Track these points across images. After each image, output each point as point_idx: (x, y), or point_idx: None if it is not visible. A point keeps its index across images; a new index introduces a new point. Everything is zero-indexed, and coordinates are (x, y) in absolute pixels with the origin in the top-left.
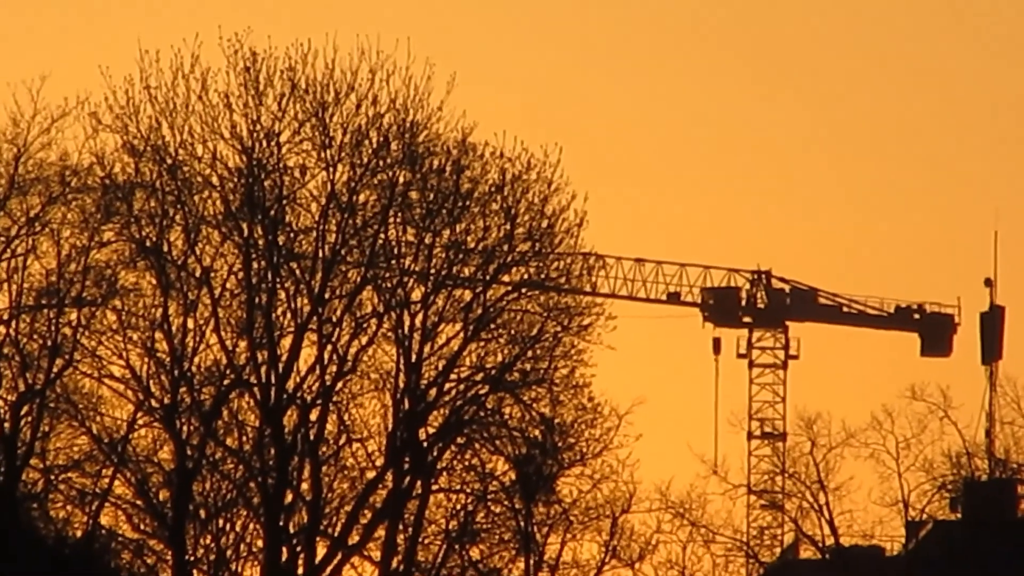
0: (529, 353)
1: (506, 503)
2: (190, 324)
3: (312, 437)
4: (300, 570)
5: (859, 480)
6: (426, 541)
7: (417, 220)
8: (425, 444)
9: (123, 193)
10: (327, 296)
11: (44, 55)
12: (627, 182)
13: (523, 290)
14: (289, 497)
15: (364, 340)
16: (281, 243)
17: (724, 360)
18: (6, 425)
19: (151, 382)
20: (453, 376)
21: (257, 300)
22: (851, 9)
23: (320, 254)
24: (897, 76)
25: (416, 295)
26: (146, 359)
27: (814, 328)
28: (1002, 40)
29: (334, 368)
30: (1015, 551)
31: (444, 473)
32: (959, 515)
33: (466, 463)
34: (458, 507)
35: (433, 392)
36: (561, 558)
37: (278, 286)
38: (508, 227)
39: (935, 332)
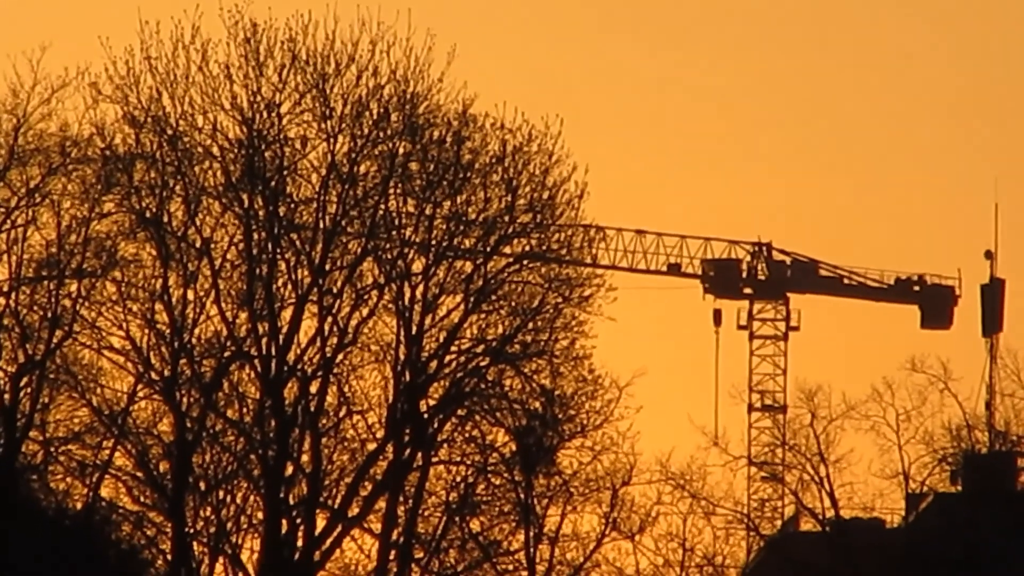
0: (530, 325)
1: (506, 475)
2: (190, 296)
3: (312, 409)
4: (300, 542)
5: (859, 452)
6: (426, 513)
7: (418, 191)
8: (425, 416)
9: (123, 164)
10: (327, 267)
11: (44, 25)
12: (628, 153)
13: (524, 262)
14: (289, 469)
15: (365, 312)
16: (282, 214)
17: (725, 332)
18: (6, 397)
19: (151, 354)
20: (454, 348)
21: (257, 271)
22: None
23: (320, 225)
24: (897, 48)
25: (417, 267)
26: (146, 331)
27: (815, 300)
28: (1003, 11)
29: (335, 340)
30: (1015, 523)
31: (444, 445)
32: (959, 488)
33: (466, 435)
34: (458, 479)
35: (434, 364)
36: (561, 530)
37: (278, 257)
38: (509, 199)
39: (935, 304)
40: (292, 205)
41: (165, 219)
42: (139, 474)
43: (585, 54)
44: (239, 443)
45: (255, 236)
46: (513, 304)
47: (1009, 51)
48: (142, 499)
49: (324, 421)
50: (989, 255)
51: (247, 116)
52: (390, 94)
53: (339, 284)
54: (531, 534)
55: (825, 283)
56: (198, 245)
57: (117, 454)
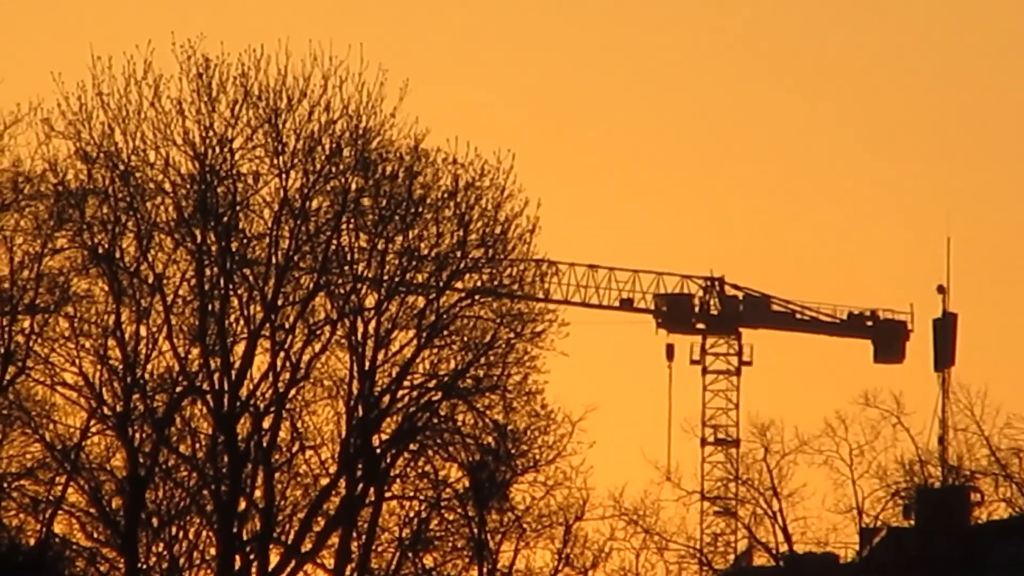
0: (482, 360)
1: (459, 510)
2: (143, 331)
3: (265, 444)
4: None
5: (812, 487)
6: (379, 548)
7: (370, 226)
8: (378, 451)
9: (76, 200)
10: (280, 303)
11: None
12: (580, 188)
13: (476, 296)
14: (242, 505)
15: (317, 347)
16: (234, 249)
17: (677, 367)
18: None
19: (104, 389)
20: (406, 383)
21: (210, 307)
22: (805, 14)
23: (273, 260)
24: (849, 83)
25: (369, 302)
26: (99, 366)
27: (767, 335)
28: (954, 46)
29: (287, 375)
30: (968, 558)
31: (397, 480)
32: (912, 522)
33: (419, 470)
34: (411, 514)
35: (386, 399)
36: (514, 566)
37: (231, 293)
38: (461, 233)
39: (888, 339)
40: (244, 240)
41: (117, 255)
42: (92, 510)
43: (537, 89)
44: (192, 479)
45: (207, 272)
46: (465, 339)
47: (961, 85)
48: (95, 535)
49: (277, 456)
50: (941, 290)
51: (199, 151)
52: (342, 129)
53: (291, 319)
54: (484, 570)
55: (777, 318)
56: (150, 281)
57: (70, 490)
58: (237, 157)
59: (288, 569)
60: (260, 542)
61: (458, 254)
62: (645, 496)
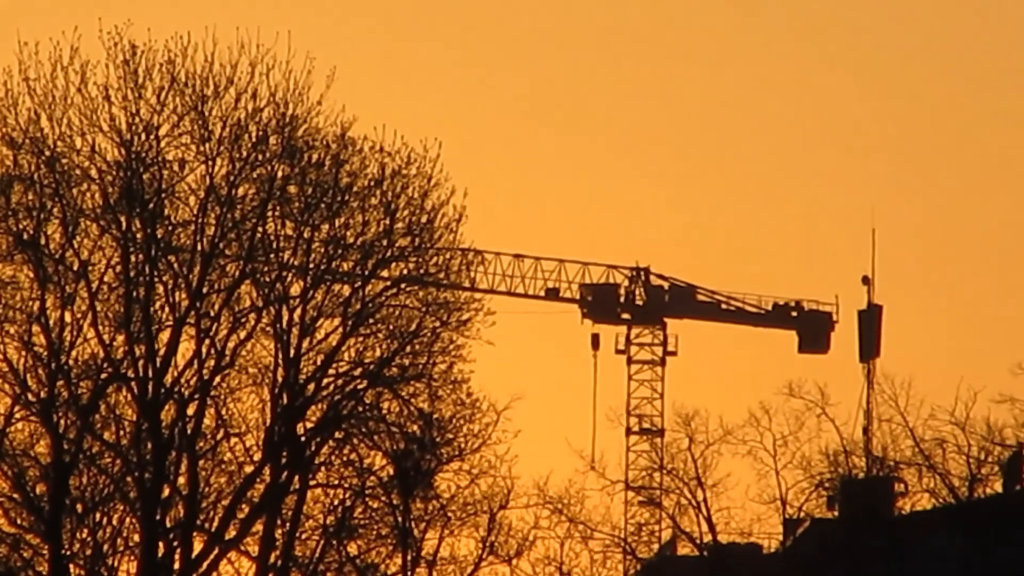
0: (408, 348)
1: (384, 498)
2: (67, 318)
3: (189, 431)
4: (177, 565)
5: (736, 477)
6: (304, 536)
7: (296, 214)
8: (303, 439)
9: (0, 186)
10: (205, 290)
11: None
12: (506, 177)
13: (402, 285)
14: (166, 491)
15: (242, 334)
16: (159, 236)
17: (603, 356)
18: None
19: (28, 375)
20: (332, 371)
21: (135, 294)
22: (730, 4)
23: (198, 248)
24: (773, 72)
25: (295, 289)
26: (23, 352)
27: (692, 325)
28: (880, 38)
29: (212, 362)
30: (891, 549)
31: (322, 468)
32: (836, 513)
33: (344, 458)
34: (336, 502)
35: (311, 387)
36: (439, 554)
37: (156, 280)
38: (387, 222)
39: (813, 329)
40: (170, 227)
41: (42, 241)
42: (15, 496)
43: (463, 78)
44: (116, 465)
45: (133, 258)
46: (391, 327)
47: (885, 79)
48: (18, 521)
49: (201, 443)
50: (866, 281)
51: (125, 138)
52: (269, 116)
53: (217, 307)
54: (408, 558)
55: (703, 308)
56: (75, 267)
57: None
58: (163, 144)
59: (212, 556)
60: (184, 529)
61: (384, 242)
62: (570, 485)
